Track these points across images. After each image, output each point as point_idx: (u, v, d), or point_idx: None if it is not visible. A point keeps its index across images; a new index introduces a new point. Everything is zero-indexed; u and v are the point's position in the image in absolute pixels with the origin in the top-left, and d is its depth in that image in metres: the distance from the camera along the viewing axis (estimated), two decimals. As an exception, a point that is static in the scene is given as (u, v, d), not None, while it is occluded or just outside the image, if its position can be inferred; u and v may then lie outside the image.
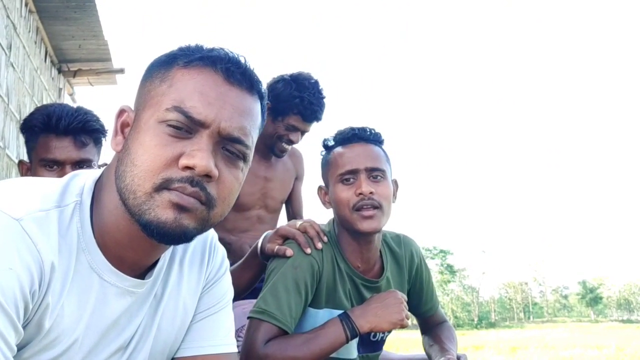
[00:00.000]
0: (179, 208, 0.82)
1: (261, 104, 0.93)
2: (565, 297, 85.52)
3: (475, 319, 66.42)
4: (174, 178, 0.82)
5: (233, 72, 0.87)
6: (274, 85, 2.25)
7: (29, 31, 4.35)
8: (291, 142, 2.29)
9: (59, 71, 5.36)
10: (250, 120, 0.89)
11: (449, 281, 68.71)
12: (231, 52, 0.90)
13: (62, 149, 1.56)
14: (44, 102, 4.78)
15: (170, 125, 0.83)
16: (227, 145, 0.87)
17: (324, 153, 1.64)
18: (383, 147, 1.61)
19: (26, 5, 4.22)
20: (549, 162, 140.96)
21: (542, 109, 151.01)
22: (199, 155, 0.82)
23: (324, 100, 2.26)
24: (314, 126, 2.34)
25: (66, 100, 5.69)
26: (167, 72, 0.88)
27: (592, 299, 78.68)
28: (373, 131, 1.59)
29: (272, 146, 2.31)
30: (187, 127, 0.83)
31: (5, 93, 3.64)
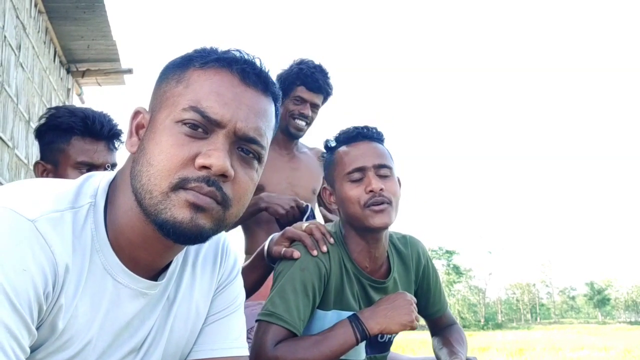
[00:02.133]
0: (195, 208, 0.83)
1: (275, 106, 0.94)
2: (573, 298, 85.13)
3: (482, 320, 66.23)
4: (191, 177, 0.82)
5: (249, 73, 0.88)
6: (279, 74, 2.40)
7: (38, 31, 4.38)
8: (303, 116, 2.36)
9: (68, 71, 5.39)
10: (265, 120, 0.90)
11: (455, 282, 68.57)
12: (247, 53, 0.91)
13: (100, 152, 1.58)
14: (53, 102, 4.80)
15: (186, 125, 0.84)
16: (243, 146, 0.88)
17: (326, 154, 1.64)
18: (385, 145, 1.61)
19: (35, 5, 4.24)
20: (557, 162, 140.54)
21: (549, 111, 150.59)
22: (216, 154, 0.83)
23: (328, 74, 2.39)
24: (326, 107, 2.45)
25: (75, 100, 5.71)
26: (183, 74, 0.88)
27: (600, 300, 78.32)
28: (376, 130, 1.60)
29: (287, 129, 2.38)
30: (204, 127, 0.84)
31: (14, 93, 3.66)
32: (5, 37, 3.45)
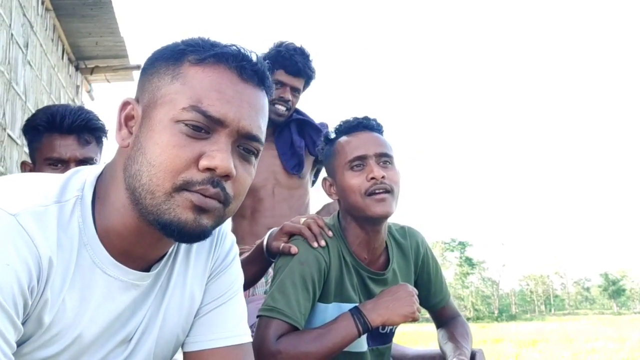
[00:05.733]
0: (199, 209, 0.83)
1: (268, 98, 0.94)
2: (587, 289, 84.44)
3: (496, 312, 65.97)
4: (195, 180, 0.82)
5: (246, 69, 0.87)
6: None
7: (46, 29, 4.40)
8: (283, 101, 2.27)
9: (77, 68, 5.42)
10: (264, 116, 0.90)
11: (468, 273, 68.35)
12: (242, 48, 0.90)
13: (66, 147, 1.58)
14: (62, 100, 4.83)
15: (187, 125, 0.83)
16: (244, 143, 0.87)
17: (326, 146, 1.63)
18: (384, 136, 1.61)
19: (42, 3, 4.26)
20: (570, 152, 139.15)
21: (562, 98, 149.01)
22: (220, 156, 0.82)
23: (309, 57, 2.31)
24: (309, 92, 2.37)
25: (84, 97, 5.75)
26: (178, 69, 0.86)
27: (615, 291, 77.60)
28: (376, 120, 1.60)
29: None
30: (206, 127, 0.83)
31: (22, 91, 3.68)
32: (12, 35, 3.47)
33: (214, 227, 0.87)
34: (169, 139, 0.82)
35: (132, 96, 0.92)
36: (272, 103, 2.25)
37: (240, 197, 0.89)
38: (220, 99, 0.84)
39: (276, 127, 2.36)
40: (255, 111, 0.87)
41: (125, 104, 0.90)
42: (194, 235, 0.85)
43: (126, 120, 0.89)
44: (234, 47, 0.89)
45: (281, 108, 2.29)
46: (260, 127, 0.89)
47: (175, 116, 0.83)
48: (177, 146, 0.82)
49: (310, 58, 2.32)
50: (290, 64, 2.24)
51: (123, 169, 0.87)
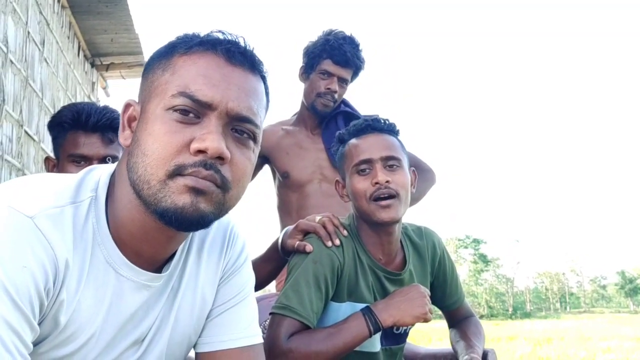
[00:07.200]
0: (195, 192, 0.82)
1: (264, 84, 0.93)
2: (604, 287, 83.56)
3: (510, 309, 65.60)
4: (187, 163, 0.82)
5: (234, 52, 0.88)
6: (306, 47, 2.27)
7: (62, 26, 4.44)
8: (331, 92, 2.21)
9: (92, 65, 5.47)
10: (256, 99, 0.89)
11: (482, 270, 68.01)
12: (230, 33, 0.90)
13: (90, 145, 1.59)
14: (78, 96, 4.88)
15: (177, 111, 0.83)
16: (237, 126, 0.87)
17: (339, 148, 1.63)
18: (398, 137, 1.59)
19: (58, 0, 4.30)
20: (586, 149, 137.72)
21: (577, 94, 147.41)
22: (210, 137, 0.82)
23: (358, 47, 2.23)
24: (355, 84, 2.29)
25: (100, 93, 5.80)
26: (169, 61, 0.88)
27: (632, 289, 76.71)
28: (387, 121, 1.58)
29: (314, 106, 2.25)
30: (195, 111, 0.84)
31: (39, 88, 3.72)
32: (29, 32, 3.50)
33: (214, 215, 0.86)
34: (160, 127, 0.83)
35: (135, 98, 0.93)
36: (318, 94, 2.21)
37: (241, 182, 0.88)
38: (206, 82, 0.84)
39: (322, 119, 2.32)
40: (245, 93, 0.87)
41: (128, 106, 0.92)
42: (192, 220, 0.83)
43: (129, 121, 0.91)
44: (220, 33, 0.90)
45: (329, 100, 2.23)
46: (252, 108, 0.87)
47: (165, 104, 0.84)
48: (168, 133, 0.82)
49: (360, 48, 2.24)
50: (339, 53, 2.16)
51: (126, 165, 0.88)
